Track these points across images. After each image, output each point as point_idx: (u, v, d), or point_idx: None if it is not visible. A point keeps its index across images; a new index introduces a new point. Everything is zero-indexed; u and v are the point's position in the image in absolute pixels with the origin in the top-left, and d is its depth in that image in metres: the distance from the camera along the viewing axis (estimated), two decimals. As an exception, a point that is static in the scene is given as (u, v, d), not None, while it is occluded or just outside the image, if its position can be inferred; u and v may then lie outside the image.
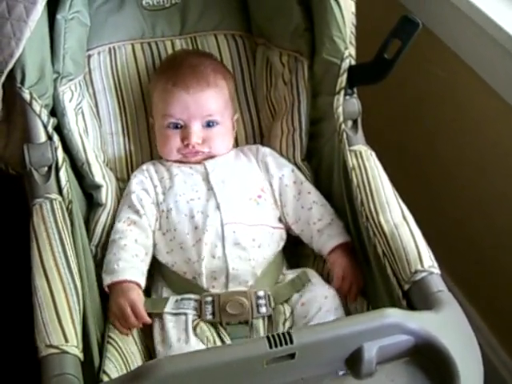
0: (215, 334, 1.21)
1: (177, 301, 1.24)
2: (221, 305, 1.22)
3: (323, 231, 1.33)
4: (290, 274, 1.31)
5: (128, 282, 1.24)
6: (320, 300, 1.23)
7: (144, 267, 1.29)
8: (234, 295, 1.23)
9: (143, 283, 1.26)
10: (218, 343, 1.19)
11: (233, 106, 1.46)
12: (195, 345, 1.17)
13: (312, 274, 1.30)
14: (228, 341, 1.20)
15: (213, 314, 1.22)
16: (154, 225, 1.34)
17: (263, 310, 1.22)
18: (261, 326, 1.22)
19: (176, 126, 1.38)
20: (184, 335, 1.19)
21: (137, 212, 1.34)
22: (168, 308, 1.23)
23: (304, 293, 1.26)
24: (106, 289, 1.25)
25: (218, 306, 1.22)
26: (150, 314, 1.23)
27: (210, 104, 1.38)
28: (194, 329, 1.20)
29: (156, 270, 1.33)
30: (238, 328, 1.21)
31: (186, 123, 1.38)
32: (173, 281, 1.29)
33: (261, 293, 1.24)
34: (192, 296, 1.24)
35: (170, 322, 1.21)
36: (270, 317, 1.24)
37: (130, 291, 1.23)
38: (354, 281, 1.27)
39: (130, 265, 1.26)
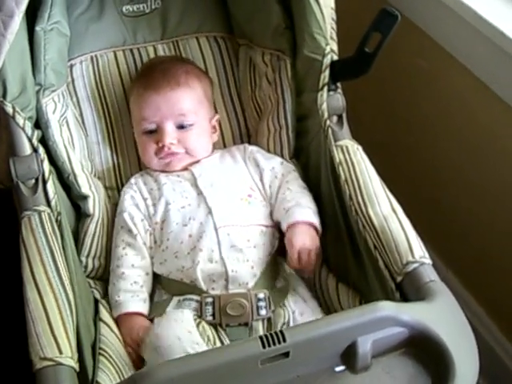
0: (216, 335, 1.21)
1: (179, 301, 1.25)
2: (221, 306, 1.22)
3: (289, 209, 1.31)
4: (287, 277, 1.32)
5: (130, 313, 1.26)
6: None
7: (145, 292, 1.30)
8: (234, 297, 1.23)
9: (146, 310, 1.28)
10: (218, 344, 1.19)
11: (210, 108, 1.45)
12: (199, 340, 1.16)
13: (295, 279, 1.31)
14: (227, 343, 1.20)
15: (213, 315, 1.22)
16: (148, 241, 1.34)
17: (263, 312, 1.22)
18: (260, 328, 1.22)
19: (151, 132, 1.38)
20: (190, 328, 1.19)
21: (130, 232, 1.34)
22: (170, 308, 1.24)
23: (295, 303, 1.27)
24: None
25: (219, 307, 1.22)
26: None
27: (181, 103, 1.37)
28: (197, 326, 1.20)
29: (154, 278, 1.33)
30: (237, 330, 1.21)
31: (158, 125, 1.38)
32: (171, 286, 1.29)
33: (261, 295, 1.24)
34: (193, 297, 1.25)
35: (173, 318, 1.21)
36: (269, 319, 1.24)
37: (132, 326, 1.25)
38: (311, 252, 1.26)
39: (130, 294, 1.28)
